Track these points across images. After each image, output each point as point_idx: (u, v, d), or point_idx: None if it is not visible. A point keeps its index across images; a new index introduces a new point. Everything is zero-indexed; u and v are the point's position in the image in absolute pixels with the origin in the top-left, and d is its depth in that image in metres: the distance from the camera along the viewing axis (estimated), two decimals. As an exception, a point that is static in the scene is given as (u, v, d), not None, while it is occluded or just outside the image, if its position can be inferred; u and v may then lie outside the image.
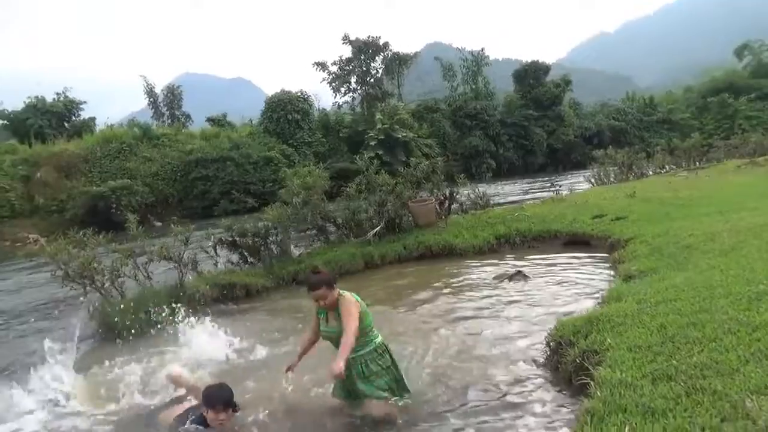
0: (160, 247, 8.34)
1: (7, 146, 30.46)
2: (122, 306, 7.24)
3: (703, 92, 59.31)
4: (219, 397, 3.85)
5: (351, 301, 3.94)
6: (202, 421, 3.89)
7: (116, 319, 7.19)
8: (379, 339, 4.12)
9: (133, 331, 6.92)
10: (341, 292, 4.02)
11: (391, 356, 4.15)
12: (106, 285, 7.82)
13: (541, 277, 7.96)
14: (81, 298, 7.69)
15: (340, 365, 3.57)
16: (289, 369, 4.22)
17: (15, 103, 40.84)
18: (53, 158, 28.93)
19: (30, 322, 8.56)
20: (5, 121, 38.32)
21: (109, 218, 20.89)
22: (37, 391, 5.18)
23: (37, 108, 37.88)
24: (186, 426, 3.90)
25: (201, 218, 24.15)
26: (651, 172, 22.65)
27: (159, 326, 7.11)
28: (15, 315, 9.17)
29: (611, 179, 20.80)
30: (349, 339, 3.73)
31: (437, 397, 4.36)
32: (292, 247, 10.20)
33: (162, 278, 8.31)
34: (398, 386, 4.12)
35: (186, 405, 4.31)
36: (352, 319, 3.83)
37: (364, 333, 3.96)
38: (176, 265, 8.39)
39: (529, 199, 16.66)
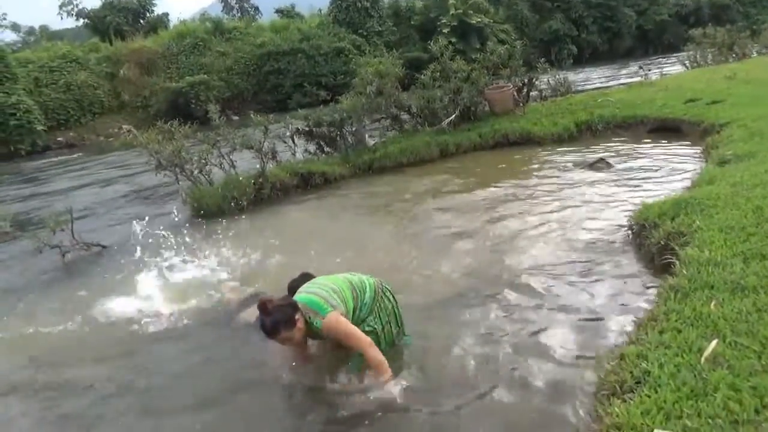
0: (242, 137, 8.65)
1: (91, 44, 31.44)
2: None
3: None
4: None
5: (332, 320, 2.98)
6: None
7: (207, 204, 7.71)
8: (369, 294, 3.29)
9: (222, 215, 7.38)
10: (312, 311, 3.02)
11: (392, 297, 3.43)
12: (195, 173, 8.28)
13: (625, 163, 7.66)
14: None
15: (387, 376, 3.05)
16: None
17: (92, 1, 41.58)
18: (134, 55, 29.72)
19: (129, 207, 9.33)
20: (86, 20, 39.36)
21: (190, 113, 21.61)
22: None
23: (113, 5, 38.44)
24: None
25: (275, 112, 24.55)
26: (755, 53, 20.41)
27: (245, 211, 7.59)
28: (115, 201, 9.97)
29: (708, 61, 18.97)
30: (374, 355, 3.03)
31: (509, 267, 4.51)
32: (366, 136, 10.26)
33: (245, 167, 8.68)
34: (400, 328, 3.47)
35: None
36: (354, 336, 3.04)
37: (359, 309, 3.22)
38: (257, 154, 8.70)
39: (613, 85, 15.62)
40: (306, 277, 3.53)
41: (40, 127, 22.74)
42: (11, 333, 4.73)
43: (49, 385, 3.72)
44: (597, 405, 2.48)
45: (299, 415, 3.12)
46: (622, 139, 9.33)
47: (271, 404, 3.26)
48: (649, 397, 2.30)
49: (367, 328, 3.20)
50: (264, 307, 2.96)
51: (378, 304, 3.32)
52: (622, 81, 20.23)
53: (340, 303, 3.10)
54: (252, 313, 3.94)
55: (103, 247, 6.88)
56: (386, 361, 3.07)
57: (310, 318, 3.02)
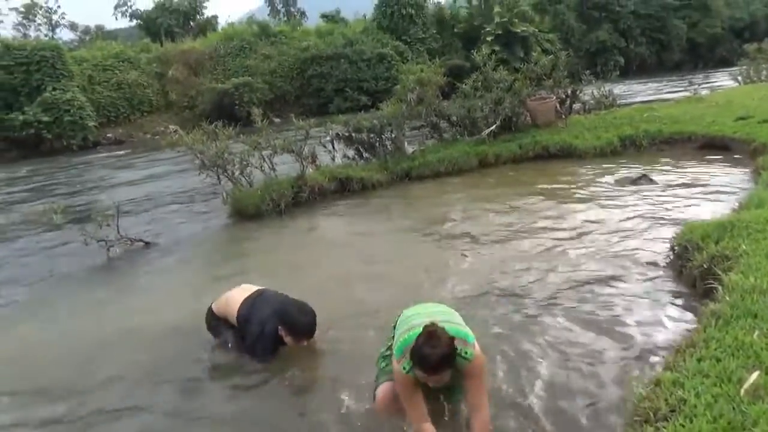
0: (282, 141, 8.80)
1: (142, 45, 32.56)
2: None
3: None
4: (300, 329, 3.57)
5: (479, 352, 2.59)
6: (274, 337, 3.60)
7: (246, 205, 7.89)
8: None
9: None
10: (461, 341, 2.51)
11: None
12: (236, 174, 8.47)
13: (669, 181, 7.45)
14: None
15: None
16: None
17: (145, 2, 43.08)
18: (182, 56, 30.61)
19: (172, 205, 9.61)
20: (139, 21, 40.78)
21: (233, 114, 22.12)
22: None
23: (165, 7, 39.72)
24: (261, 333, 3.59)
25: (316, 115, 24.89)
26: (814, 69, 19.60)
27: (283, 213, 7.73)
28: (160, 198, 10.28)
29: (762, 78, 18.32)
30: (487, 413, 2.60)
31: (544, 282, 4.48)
32: (405, 143, 10.29)
33: (285, 170, 8.83)
34: None
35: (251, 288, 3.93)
36: (485, 382, 2.65)
37: None
38: (297, 157, 8.84)
39: (661, 100, 15.25)
40: (304, 312, 3.57)
41: (91, 123, 23.65)
42: (50, 323, 4.94)
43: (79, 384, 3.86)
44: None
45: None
46: (668, 155, 9.09)
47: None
48: (683, 426, 2.24)
49: None
50: (432, 334, 2.36)
51: None
52: (671, 95, 19.72)
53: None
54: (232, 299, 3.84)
55: (147, 243, 7.11)
56: None
57: (459, 349, 2.45)
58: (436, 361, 2.34)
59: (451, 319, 2.64)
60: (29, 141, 21.88)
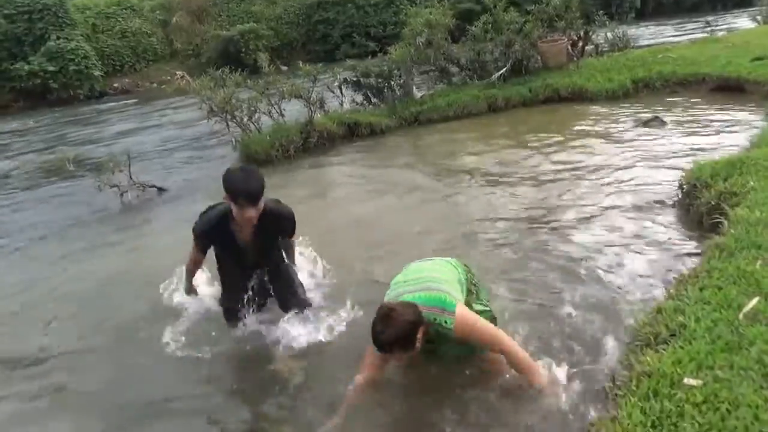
0: (290, 86, 8.73)
1: (144, -9, 31.78)
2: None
3: None
4: (240, 189, 2.88)
5: (464, 315, 2.47)
6: (224, 214, 3.08)
7: (255, 150, 7.92)
8: (462, 269, 2.85)
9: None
10: (437, 309, 2.45)
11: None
12: (245, 120, 8.46)
13: (681, 122, 7.37)
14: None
15: (545, 380, 2.54)
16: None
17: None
18: (186, 2, 29.85)
19: (182, 151, 9.66)
20: (139, -34, 39.66)
21: (240, 60, 21.76)
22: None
23: (166, -49, 38.52)
24: (207, 216, 3.19)
25: (323, 62, 24.53)
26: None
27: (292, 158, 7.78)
28: (169, 145, 10.30)
29: (783, 17, 17.68)
30: (524, 355, 2.54)
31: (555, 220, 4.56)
32: (414, 88, 10.17)
33: (293, 116, 8.80)
34: None
35: None
36: (493, 333, 2.53)
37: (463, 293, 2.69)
38: (305, 103, 8.78)
39: (677, 41, 14.81)
40: (247, 172, 2.99)
41: (97, 73, 23.40)
42: (72, 265, 5.10)
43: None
44: (630, 354, 2.53)
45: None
46: (681, 97, 8.93)
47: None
48: (682, 348, 2.34)
49: (478, 307, 2.70)
50: (387, 316, 2.35)
51: (476, 279, 2.91)
52: (686, 36, 19.15)
53: (457, 292, 2.59)
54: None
55: (159, 189, 7.20)
56: None
57: (435, 319, 2.43)
58: (386, 342, 2.35)
59: (431, 285, 2.53)
60: (36, 91, 21.75)
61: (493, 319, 2.74)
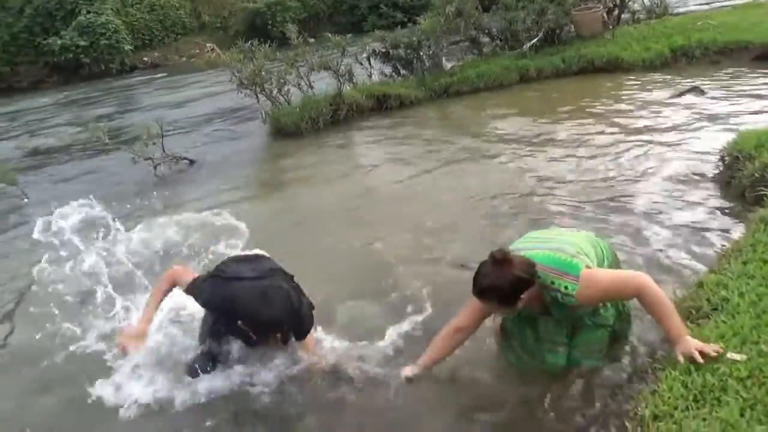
0: (319, 58, 8.69)
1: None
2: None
3: None
4: (266, 322, 2.49)
5: (590, 276, 2.18)
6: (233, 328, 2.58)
7: (285, 123, 7.95)
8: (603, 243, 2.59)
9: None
10: (558, 273, 2.20)
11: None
12: (274, 92, 8.47)
13: (721, 93, 7.11)
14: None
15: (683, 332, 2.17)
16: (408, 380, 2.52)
17: None
18: (212, -26, 29.80)
19: (212, 124, 9.75)
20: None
21: (267, 33, 21.69)
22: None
23: None
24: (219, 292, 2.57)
25: (351, 33, 24.32)
26: None
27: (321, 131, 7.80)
28: (199, 119, 10.40)
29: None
30: (661, 293, 2.17)
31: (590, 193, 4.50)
32: (443, 59, 10.01)
33: (322, 88, 8.78)
34: None
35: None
36: (624, 280, 2.24)
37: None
38: (334, 75, 8.74)
39: (718, 7, 14.21)
40: (268, 300, 2.44)
41: (127, 47, 23.59)
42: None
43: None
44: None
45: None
46: (721, 67, 8.60)
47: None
48: (725, 322, 2.29)
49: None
50: (497, 262, 2.15)
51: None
52: (728, 2, 18.35)
53: (585, 255, 2.29)
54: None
55: (191, 161, 7.29)
56: None
57: (553, 283, 2.19)
58: (485, 287, 2.19)
59: (565, 248, 2.27)
60: (69, 66, 22.09)
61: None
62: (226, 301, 2.51)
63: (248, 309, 2.45)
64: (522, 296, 2.17)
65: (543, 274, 2.21)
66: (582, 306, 2.25)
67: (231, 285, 2.55)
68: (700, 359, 2.03)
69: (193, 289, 2.65)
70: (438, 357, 2.53)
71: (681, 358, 2.07)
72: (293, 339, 2.74)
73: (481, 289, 2.21)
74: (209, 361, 2.75)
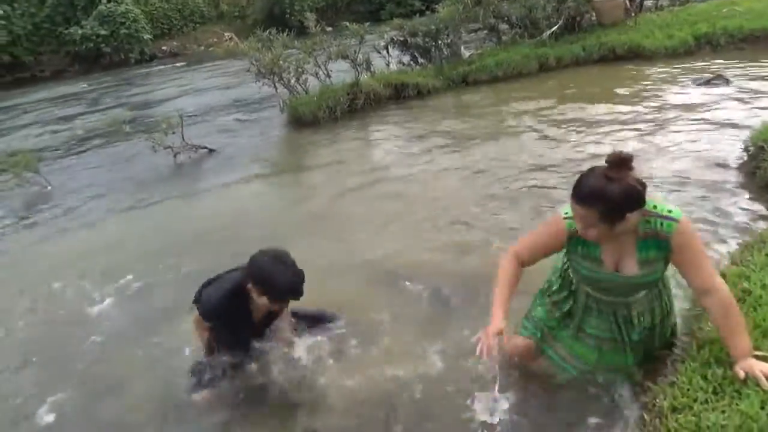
0: (337, 46, 8.67)
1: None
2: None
3: None
4: (285, 290, 2.43)
5: (688, 225, 1.96)
6: (238, 291, 2.50)
7: (302, 112, 7.97)
8: None
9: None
10: (658, 214, 1.93)
11: None
12: (292, 82, 8.47)
13: (747, 81, 6.96)
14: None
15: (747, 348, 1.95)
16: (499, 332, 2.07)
17: None
18: (230, -37, 29.78)
19: (230, 113, 9.80)
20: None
21: (285, 22, 21.69)
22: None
23: None
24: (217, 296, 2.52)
25: (368, 22, 24.23)
26: None
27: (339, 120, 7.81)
28: (218, 107, 10.46)
29: None
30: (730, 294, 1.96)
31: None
32: (462, 47, 9.93)
33: (340, 77, 8.76)
34: None
35: None
36: (706, 257, 2.01)
37: None
38: (352, 64, 8.72)
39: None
40: (287, 265, 2.43)
41: (146, 36, 23.79)
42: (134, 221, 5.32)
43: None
44: (691, 321, 2.47)
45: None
46: (747, 55, 8.42)
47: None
48: (747, 315, 2.25)
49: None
50: (616, 166, 1.83)
51: None
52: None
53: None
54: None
55: (210, 150, 7.35)
56: None
57: (651, 222, 1.93)
58: (593, 190, 1.83)
59: (670, 206, 1.97)
60: (90, 55, 22.37)
61: None
62: (242, 285, 2.47)
63: (266, 273, 2.39)
64: (624, 219, 1.85)
65: (647, 213, 1.93)
66: (672, 254, 1.96)
67: (233, 274, 2.57)
68: (765, 384, 1.85)
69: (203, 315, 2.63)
70: (512, 294, 2.21)
71: (742, 374, 1.92)
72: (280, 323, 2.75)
73: (586, 194, 1.85)
74: (216, 368, 2.73)
